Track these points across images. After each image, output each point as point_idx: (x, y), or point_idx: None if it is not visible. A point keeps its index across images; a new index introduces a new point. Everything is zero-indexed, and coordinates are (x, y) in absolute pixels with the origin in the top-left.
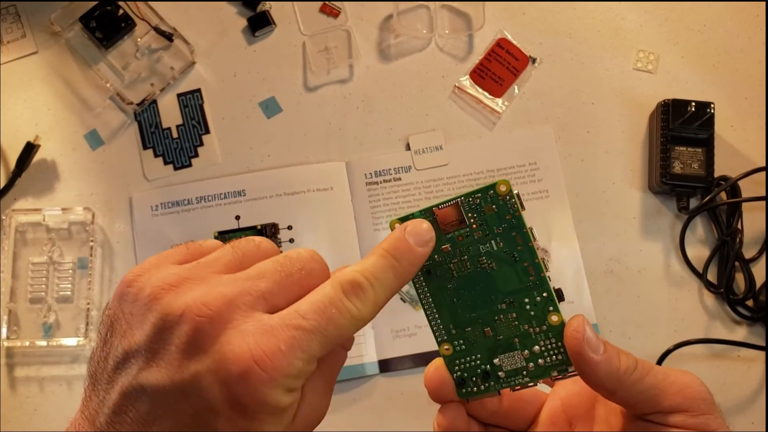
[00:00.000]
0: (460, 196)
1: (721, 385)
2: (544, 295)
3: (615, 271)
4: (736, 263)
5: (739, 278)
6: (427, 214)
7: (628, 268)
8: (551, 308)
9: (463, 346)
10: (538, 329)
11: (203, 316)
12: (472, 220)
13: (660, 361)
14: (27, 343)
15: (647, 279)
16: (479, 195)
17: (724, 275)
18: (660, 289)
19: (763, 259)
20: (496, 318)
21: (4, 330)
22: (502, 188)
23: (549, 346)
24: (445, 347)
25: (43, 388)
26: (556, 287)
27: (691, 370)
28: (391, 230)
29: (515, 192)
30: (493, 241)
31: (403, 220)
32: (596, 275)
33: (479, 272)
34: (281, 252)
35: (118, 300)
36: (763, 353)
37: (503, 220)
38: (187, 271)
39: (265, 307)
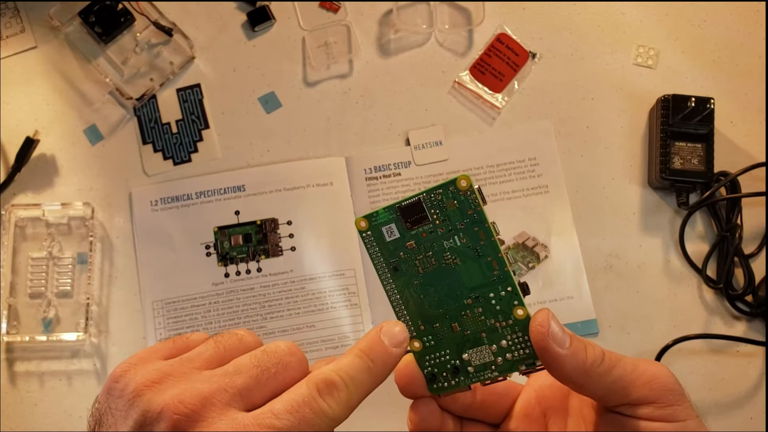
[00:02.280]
0: (422, 193)
1: (720, 381)
2: (509, 289)
3: (614, 266)
4: (736, 258)
5: (739, 273)
6: (391, 211)
7: (627, 264)
8: (516, 302)
9: (432, 342)
10: (504, 323)
11: (180, 414)
12: (435, 216)
13: (659, 357)
14: (27, 338)
15: (646, 274)
16: (441, 191)
17: (724, 270)
18: (659, 284)
19: (762, 254)
20: (463, 313)
21: (3, 325)
22: (463, 183)
23: (516, 341)
24: (415, 343)
25: (43, 383)
26: (521, 281)
27: (690, 365)
28: (356, 227)
29: (476, 187)
30: (456, 237)
31: (368, 217)
32: (595, 270)
33: (444, 268)
34: (262, 344)
35: (106, 395)
36: (762, 348)
37: (465, 216)
38: (169, 366)
39: (242, 404)
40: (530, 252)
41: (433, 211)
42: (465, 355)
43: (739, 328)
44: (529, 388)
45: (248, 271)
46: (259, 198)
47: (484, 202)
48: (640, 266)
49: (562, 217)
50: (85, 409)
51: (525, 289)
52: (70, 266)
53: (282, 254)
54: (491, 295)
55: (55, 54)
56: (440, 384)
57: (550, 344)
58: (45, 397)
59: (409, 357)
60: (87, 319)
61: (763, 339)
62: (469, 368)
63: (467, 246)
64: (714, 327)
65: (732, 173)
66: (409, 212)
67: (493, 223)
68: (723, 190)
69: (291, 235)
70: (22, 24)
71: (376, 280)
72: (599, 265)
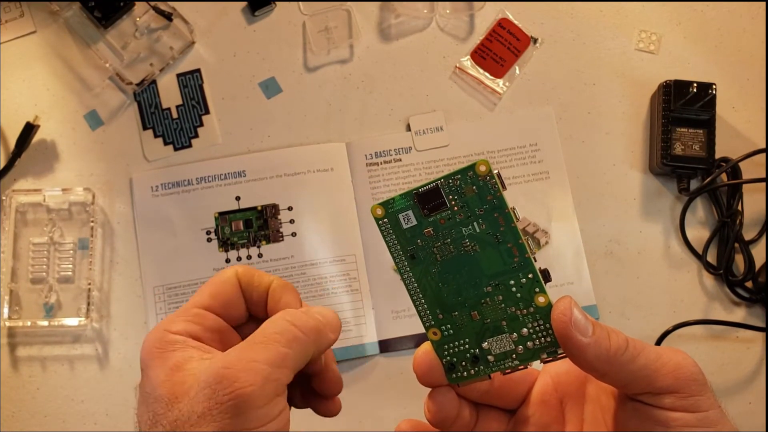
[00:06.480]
0: (440, 179)
1: (719, 366)
2: (530, 276)
3: (615, 252)
4: (736, 245)
5: (739, 260)
6: (408, 198)
7: (627, 249)
8: (537, 290)
9: (451, 331)
10: (525, 311)
11: None
12: (453, 203)
13: (659, 342)
14: (29, 323)
15: (647, 260)
16: (459, 176)
17: (724, 256)
18: (659, 270)
19: (762, 240)
20: (483, 301)
21: (5, 310)
22: (482, 168)
23: (537, 329)
24: (433, 332)
25: (45, 368)
26: (542, 268)
27: (689, 350)
28: (372, 214)
29: (495, 172)
30: (475, 223)
31: (384, 204)
32: (596, 256)
33: (463, 255)
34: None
35: None
36: (761, 334)
37: (484, 201)
38: None
39: None
40: (531, 238)
41: (451, 197)
42: (485, 344)
43: (739, 314)
44: (545, 374)
45: (249, 257)
46: (260, 183)
47: (504, 187)
48: (640, 252)
49: (563, 203)
50: (86, 393)
51: (546, 276)
52: (71, 251)
53: (283, 240)
54: (512, 282)
55: (55, 39)
56: (459, 373)
57: (572, 332)
58: (47, 382)
59: (428, 346)
60: (88, 304)
61: (762, 325)
62: (489, 357)
63: (486, 232)
64: (714, 313)
65: (733, 159)
66: (427, 199)
67: (513, 208)
68: (724, 176)
69: (292, 221)
70: (21, 8)
71: (376, 266)
72: (599, 250)
